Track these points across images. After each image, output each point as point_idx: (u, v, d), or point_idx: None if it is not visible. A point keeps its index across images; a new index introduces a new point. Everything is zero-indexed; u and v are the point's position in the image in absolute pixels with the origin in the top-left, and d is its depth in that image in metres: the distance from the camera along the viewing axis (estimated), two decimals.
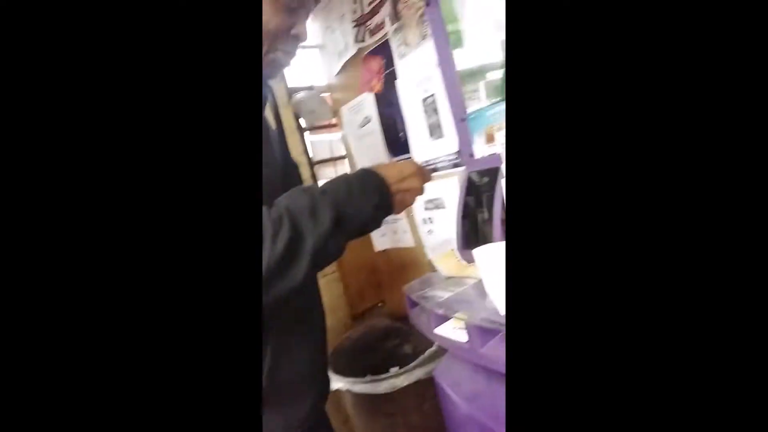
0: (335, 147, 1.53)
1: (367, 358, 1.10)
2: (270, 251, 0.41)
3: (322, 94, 1.42)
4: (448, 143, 1.01)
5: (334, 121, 1.47)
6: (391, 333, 1.21)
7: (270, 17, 0.52)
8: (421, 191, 0.59)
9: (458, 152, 0.97)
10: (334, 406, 1.06)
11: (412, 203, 0.59)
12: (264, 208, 0.44)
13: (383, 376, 0.94)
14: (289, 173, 0.70)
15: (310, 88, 1.46)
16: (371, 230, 0.54)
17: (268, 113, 0.65)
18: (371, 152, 1.30)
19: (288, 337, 0.59)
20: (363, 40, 1.19)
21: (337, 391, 1.02)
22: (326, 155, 1.54)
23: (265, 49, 0.54)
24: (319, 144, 1.58)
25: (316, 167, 1.54)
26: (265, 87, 0.62)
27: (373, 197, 0.51)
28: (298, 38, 0.56)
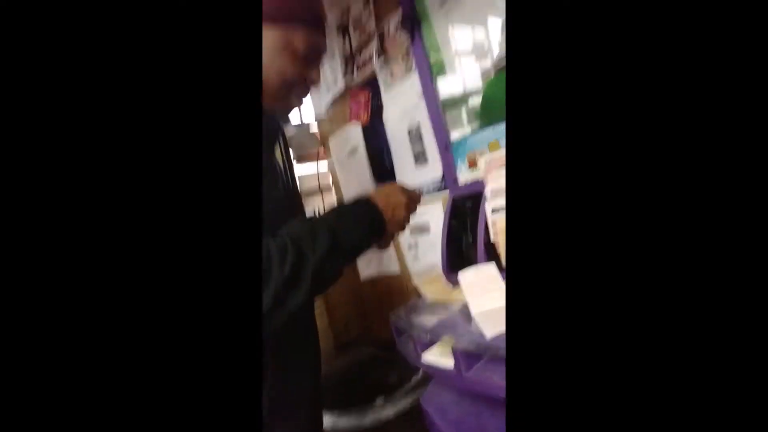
0: (322, 177, 1.55)
1: (352, 390, 1.06)
2: (278, 276, 0.45)
3: (312, 131, 1.45)
4: (433, 169, 1.03)
5: (321, 150, 1.49)
6: (377, 363, 1.18)
7: (286, 68, 0.56)
8: (412, 207, 0.63)
9: (442, 178, 0.99)
10: None
11: (406, 220, 0.61)
12: (270, 239, 0.48)
13: (369, 408, 0.91)
14: (294, 205, 0.73)
15: (300, 125, 1.48)
16: (366, 249, 0.58)
17: (276, 150, 0.71)
18: (358, 180, 1.32)
19: (287, 365, 0.60)
20: (352, 74, 1.23)
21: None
22: (313, 185, 1.55)
23: (281, 95, 0.58)
24: (305, 175, 1.60)
25: (304, 197, 1.55)
26: (275, 124, 0.66)
27: (364, 217, 0.56)
28: (313, 82, 0.60)
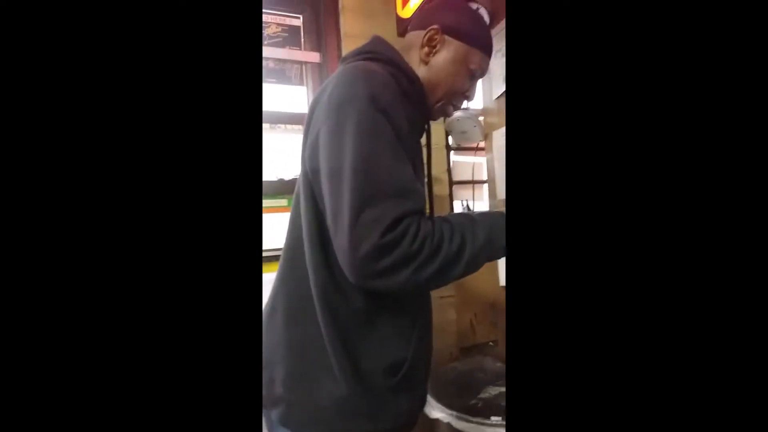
0: (477, 170, 1.48)
1: (469, 398, 1.01)
2: (447, 250, 0.53)
3: (479, 118, 1.39)
4: None
5: (482, 144, 1.42)
6: (500, 379, 1.10)
7: (458, 80, 0.69)
8: None
9: None
10: None
11: None
12: (439, 220, 0.56)
13: (488, 422, 0.87)
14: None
15: (466, 110, 1.44)
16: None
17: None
18: None
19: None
20: None
21: (437, 421, 0.96)
22: (467, 177, 1.51)
23: (442, 101, 0.70)
24: (460, 164, 1.55)
25: (454, 186, 1.52)
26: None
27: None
28: (468, 98, 0.74)
